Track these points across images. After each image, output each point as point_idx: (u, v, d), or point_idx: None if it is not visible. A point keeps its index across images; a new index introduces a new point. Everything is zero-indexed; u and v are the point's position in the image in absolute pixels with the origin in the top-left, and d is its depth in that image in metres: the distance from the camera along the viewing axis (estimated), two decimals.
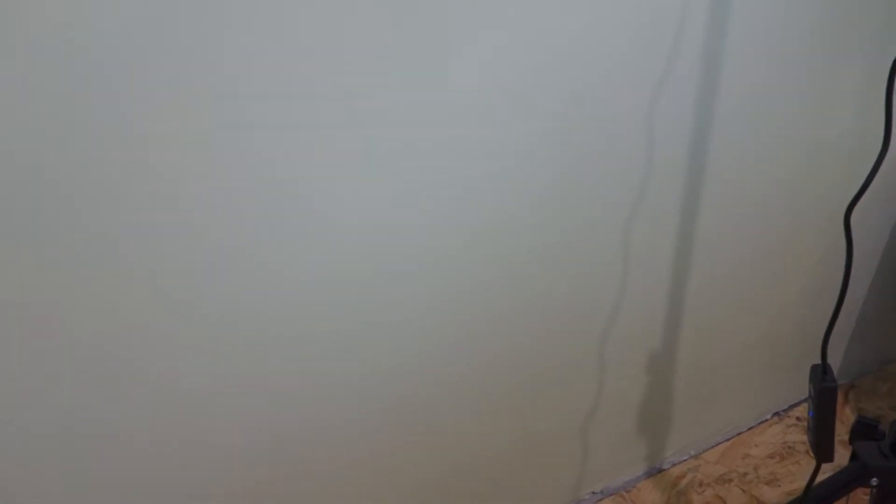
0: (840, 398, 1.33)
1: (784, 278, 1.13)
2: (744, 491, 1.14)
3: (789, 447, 1.22)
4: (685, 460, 1.20)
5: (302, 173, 0.65)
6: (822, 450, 0.72)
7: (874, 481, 0.75)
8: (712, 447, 1.22)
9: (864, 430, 0.78)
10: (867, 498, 0.82)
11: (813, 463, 0.73)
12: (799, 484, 1.13)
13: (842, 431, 0.87)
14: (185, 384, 0.69)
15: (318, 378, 0.77)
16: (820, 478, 0.76)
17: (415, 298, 0.79)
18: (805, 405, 1.29)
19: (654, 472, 1.18)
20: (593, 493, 1.12)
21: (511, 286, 0.86)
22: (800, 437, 1.24)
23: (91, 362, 0.63)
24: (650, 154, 0.86)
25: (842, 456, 0.77)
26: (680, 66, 0.82)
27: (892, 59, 0.58)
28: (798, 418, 1.28)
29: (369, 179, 0.69)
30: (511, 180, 0.78)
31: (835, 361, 1.33)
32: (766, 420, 1.28)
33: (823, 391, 0.68)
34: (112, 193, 0.58)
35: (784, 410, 1.30)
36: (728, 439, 1.24)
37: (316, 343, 0.75)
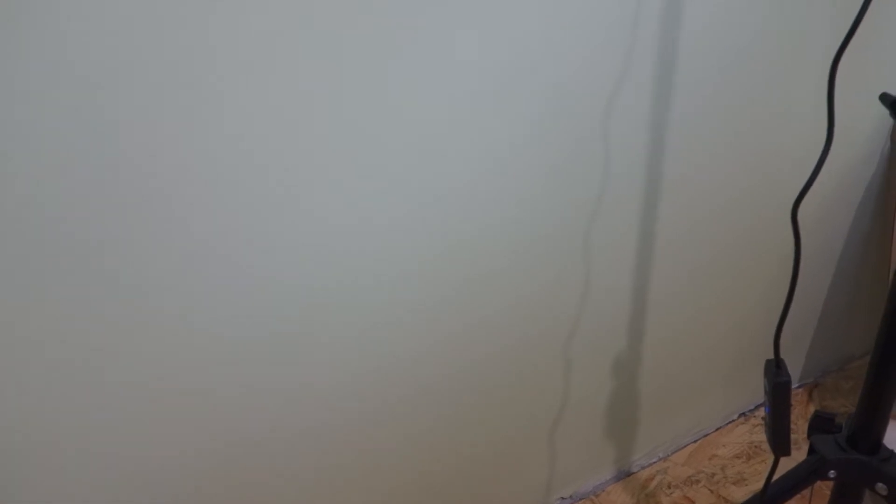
0: (805, 397, 1.35)
1: (746, 280, 1.15)
2: (711, 491, 1.15)
3: (756, 446, 1.23)
4: (654, 463, 1.21)
5: (285, 175, 0.65)
6: (780, 444, 0.73)
7: (832, 473, 0.76)
8: (680, 449, 1.23)
9: (821, 423, 0.79)
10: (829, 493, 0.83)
11: None
12: None
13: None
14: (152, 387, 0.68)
15: (283, 384, 0.77)
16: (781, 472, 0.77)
17: (381, 305, 0.79)
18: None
19: (623, 476, 1.18)
20: (562, 498, 1.12)
21: (477, 294, 0.86)
22: (766, 438, 1.25)
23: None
24: (608, 161, 0.87)
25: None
26: (636, 72, 0.83)
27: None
28: (763, 418, 1.29)
29: (337, 185, 0.69)
30: (476, 188, 0.79)
31: (799, 361, 1.35)
32: (733, 420, 1.29)
33: (777, 386, 0.69)
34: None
35: (750, 410, 1.31)
36: (695, 440, 1.25)
37: (280, 349, 0.74)
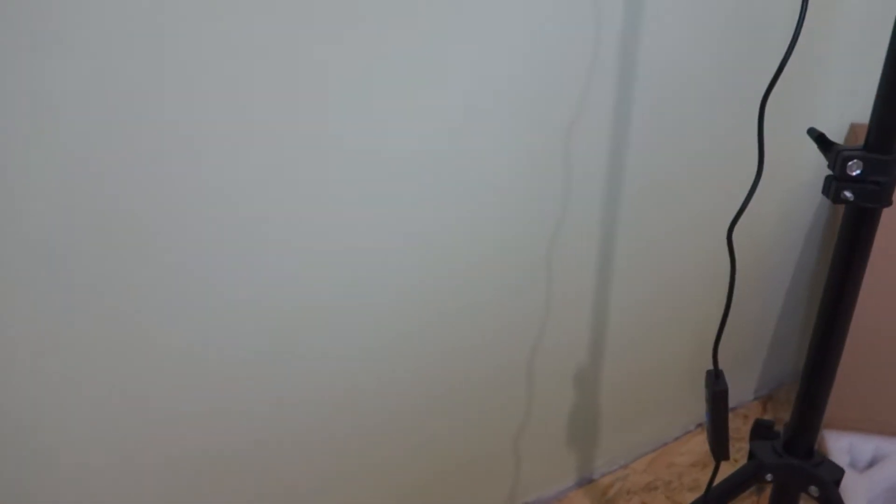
0: (759, 408, 1.42)
1: (699, 298, 1.21)
2: (668, 497, 1.20)
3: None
4: (614, 470, 1.26)
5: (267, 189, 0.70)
6: (720, 450, 0.79)
7: (769, 477, 0.82)
8: (640, 457, 1.29)
9: (760, 430, 0.85)
10: None
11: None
12: None
13: None
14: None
15: (243, 394, 0.81)
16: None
17: (342, 314, 0.84)
18: None
19: (585, 483, 1.23)
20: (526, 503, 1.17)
21: (441, 307, 0.91)
22: None
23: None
24: (568, 182, 0.93)
25: None
26: (595, 95, 0.89)
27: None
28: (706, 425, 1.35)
29: (305, 190, 0.74)
30: (442, 195, 0.84)
31: (754, 374, 1.42)
32: (691, 431, 1.35)
33: (716, 394, 0.75)
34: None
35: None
36: (655, 450, 1.30)
37: (238, 356, 0.79)
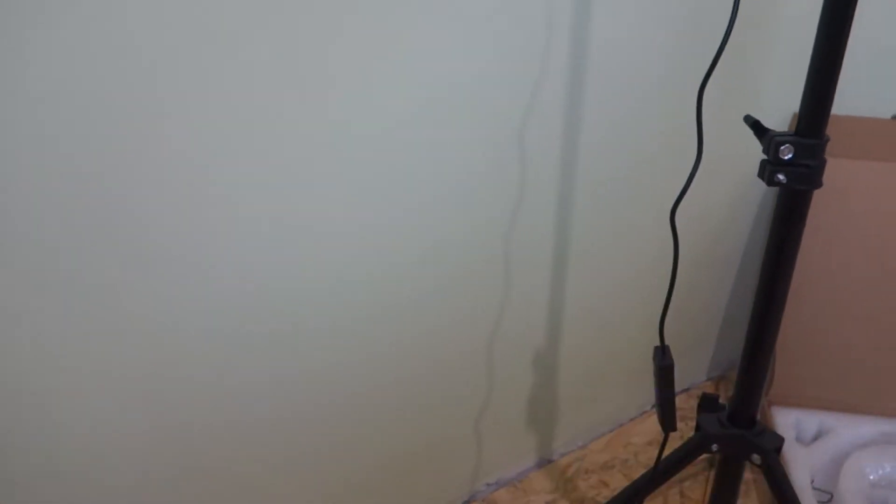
0: (712, 389, 1.47)
1: (651, 283, 1.25)
2: (625, 475, 1.25)
3: None
4: (573, 451, 1.30)
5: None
6: (667, 421, 0.83)
7: (714, 447, 0.86)
8: (597, 438, 1.33)
9: (707, 404, 0.89)
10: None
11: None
12: None
13: None
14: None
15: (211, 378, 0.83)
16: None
17: (300, 305, 0.85)
18: (680, 395, 1.42)
19: (545, 463, 1.27)
20: (488, 484, 1.21)
21: (400, 289, 0.94)
22: None
23: None
24: (524, 171, 0.96)
25: None
26: (546, 90, 0.92)
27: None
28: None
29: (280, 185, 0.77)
30: (400, 184, 0.86)
31: (707, 356, 1.47)
32: (647, 411, 1.40)
33: (662, 369, 0.79)
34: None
35: None
36: (612, 430, 1.35)
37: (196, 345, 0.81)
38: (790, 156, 0.71)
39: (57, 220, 0.64)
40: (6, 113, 0.59)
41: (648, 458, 1.28)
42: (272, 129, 0.73)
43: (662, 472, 0.87)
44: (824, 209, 1.12)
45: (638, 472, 1.25)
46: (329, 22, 0.72)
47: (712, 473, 1.20)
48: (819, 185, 0.72)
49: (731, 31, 0.68)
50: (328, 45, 0.73)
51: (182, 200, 0.71)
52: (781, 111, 1.25)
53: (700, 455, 0.88)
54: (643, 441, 1.33)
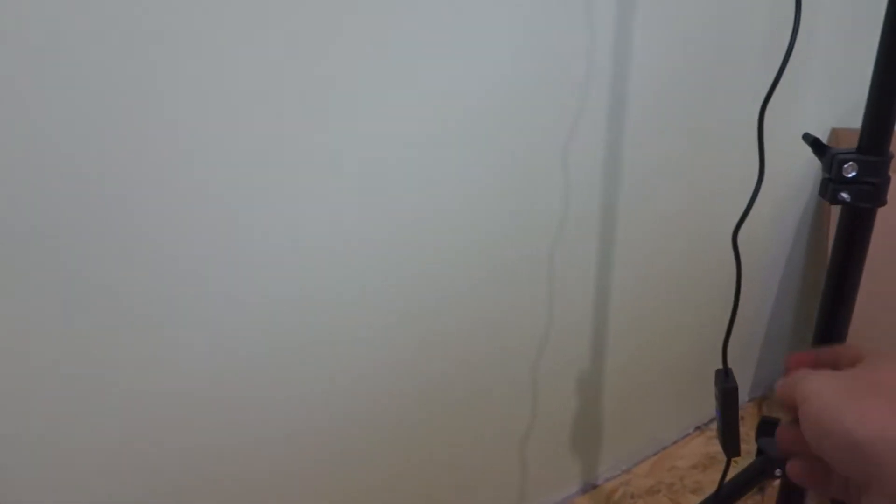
0: (755, 409, 1.45)
1: (696, 303, 1.24)
2: (671, 500, 1.23)
3: (711, 457, 1.31)
4: (617, 475, 1.28)
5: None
6: (730, 446, 0.81)
7: (778, 472, 0.84)
8: (642, 461, 1.31)
9: (766, 427, 0.87)
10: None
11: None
12: None
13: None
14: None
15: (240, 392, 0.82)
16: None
17: (348, 321, 0.84)
18: None
19: (589, 488, 1.25)
20: None
21: (450, 315, 0.93)
22: (720, 448, 1.34)
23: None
24: (568, 191, 0.95)
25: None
26: (589, 110, 0.92)
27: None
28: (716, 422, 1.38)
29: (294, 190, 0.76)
30: (446, 209, 0.85)
31: (748, 377, 1.45)
32: (689, 434, 1.38)
33: (726, 391, 0.77)
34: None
35: (705, 424, 1.40)
36: (655, 453, 1.33)
37: (235, 362, 0.80)
38: (854, 174, 0.70)
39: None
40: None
41: (694, 482, 1.26)
42: (290, 130, 0.73)
43: (725, 496, 0.85)
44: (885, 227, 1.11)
45: (684, 497, 1.22)
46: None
47: (762, 497, 1.18)
48: (884, 202, 0.71)
49: (791, 51, 0.67)
50: (364, 45, 0.73)
51: (211, 204, 0.70)
52: (821, 125, 1.24)
53: (762, 480, 0.86)
54: (688, 465, 1.30)
